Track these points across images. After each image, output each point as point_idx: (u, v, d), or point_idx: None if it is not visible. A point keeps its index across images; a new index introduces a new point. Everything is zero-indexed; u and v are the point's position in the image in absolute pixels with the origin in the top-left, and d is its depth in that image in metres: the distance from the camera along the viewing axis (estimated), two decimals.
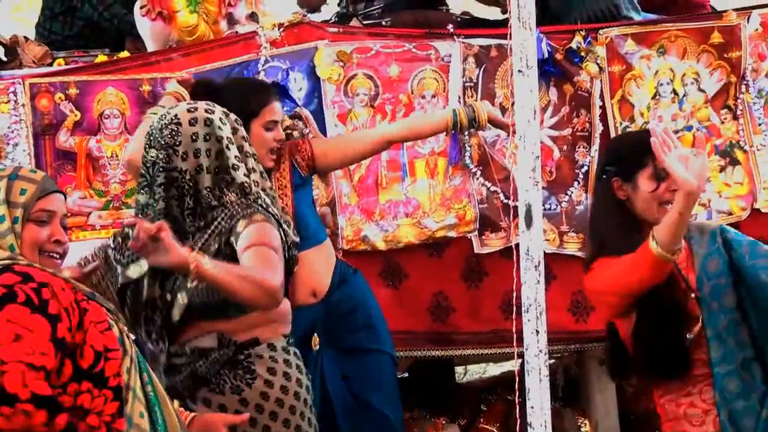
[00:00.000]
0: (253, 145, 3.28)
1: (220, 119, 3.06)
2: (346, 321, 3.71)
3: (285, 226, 3.10)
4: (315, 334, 3.68)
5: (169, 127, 3.01)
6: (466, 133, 4.10)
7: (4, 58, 4.12)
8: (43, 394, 2.36)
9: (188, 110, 3.05)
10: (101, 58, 4.12)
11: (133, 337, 2.67)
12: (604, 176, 3.11)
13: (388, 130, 3.91)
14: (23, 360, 2.35)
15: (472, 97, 4.18)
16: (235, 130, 3.09)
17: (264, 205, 3.05)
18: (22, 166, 2.80)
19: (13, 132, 3.83)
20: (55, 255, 2.65)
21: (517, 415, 3.00)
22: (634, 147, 3.10)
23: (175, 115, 3.03)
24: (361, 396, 3.72)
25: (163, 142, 3.00)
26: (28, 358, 2.36)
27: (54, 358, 2.42)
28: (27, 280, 2.46)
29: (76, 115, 3.89)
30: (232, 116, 3.11)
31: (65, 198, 2.75)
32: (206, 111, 3.05)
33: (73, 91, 3.89)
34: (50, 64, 4.08)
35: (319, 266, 3.67)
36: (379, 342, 3.78)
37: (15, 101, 3.84)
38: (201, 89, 3.60)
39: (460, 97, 4.18)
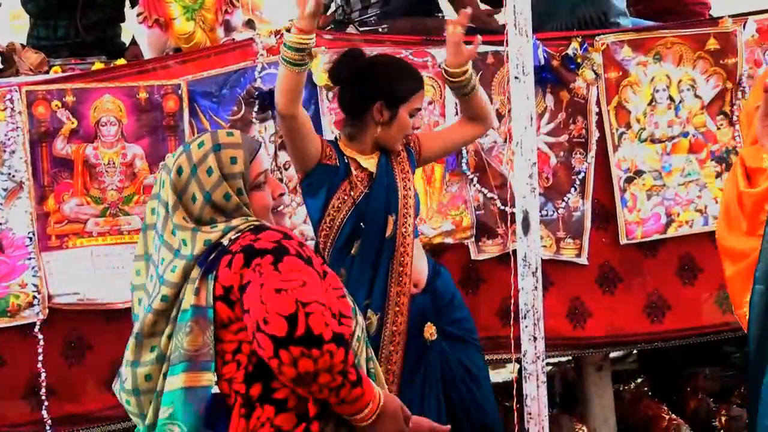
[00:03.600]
0: (395, 128, 3.48)
1: None
2: (447, 311, 3.67)
3: None
4: (428, 323, 3.63)
5: None
6: None
7: (1, 66, 4.10)
8: (340, 332, 2.39)
9: None
10: (98, 65, 4.11)
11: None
12: None
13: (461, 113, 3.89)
14: (319, 300, 2.38)
15: None
16: None
17: None
18: (215, 131, 2.72)
19: (9, 139, 3.82)
20: (282, 207, 2.72)
21: (515, 422, 3.00)
22: None
23: None
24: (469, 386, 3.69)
25: None
26: (322, 298, 2.39)
27: (332, 300, 2.48)
28: (288, 237, 2.49)
29: (72, 123, 3.87)
30: None
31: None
32: None
33: (69, 98, 3.87)
34: (47, 72, 4.07)
35: (419, 258, 3.63)
36: (475, 334, 3.75)
37: (12, 109, 3.82)
38: (347, 62, 3.58)
39: (456, 104, 4.18)
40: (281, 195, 2.68)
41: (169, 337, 2.49)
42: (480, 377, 3.69)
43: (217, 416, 2.45)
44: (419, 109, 3.60)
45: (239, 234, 2.50)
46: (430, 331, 3.62)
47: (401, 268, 3.57)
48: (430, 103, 4.19)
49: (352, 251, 3.56)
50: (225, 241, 2.50)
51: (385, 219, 3.56)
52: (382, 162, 3.60)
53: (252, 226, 2.53)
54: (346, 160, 3.58)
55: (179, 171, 2.58)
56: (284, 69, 3.37)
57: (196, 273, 2.47)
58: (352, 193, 3.56)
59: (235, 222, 2.54)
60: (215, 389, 2.45)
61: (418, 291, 3.62)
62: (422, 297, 3.63)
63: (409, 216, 3.59)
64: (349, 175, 3.57)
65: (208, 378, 2.46)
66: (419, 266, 3.63)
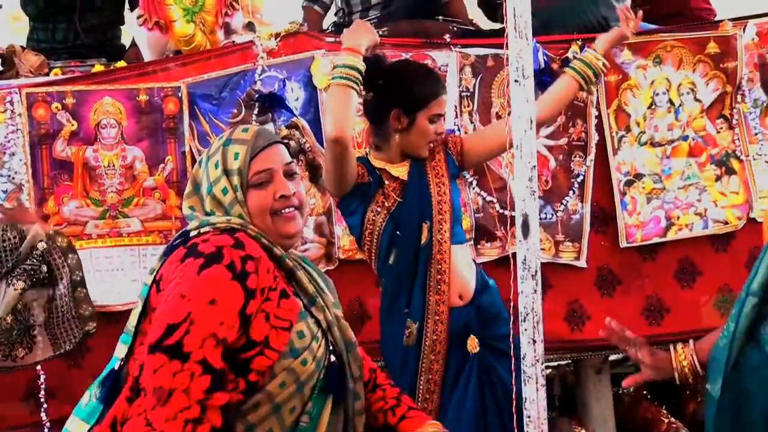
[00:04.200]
0: (415, 134, 3.44)
1: None
2: (493, 325, 3.58)
3: None
4: (471, 335, 3.56)
5: None
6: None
7: (1, 68, 4.11)
8: (212, 364, 2.31)
9: None
10: (98, 67, 4.12)
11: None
12: None
13: None
14: (210, 327, 2.32)
15: (468, 107, 4.20)
16: None
17: None
18: (239, 126, 2.71)
19: (9, 141, 3.82)
20: (287, 210, 2.58)
21: (514, 425, 2.99)
22: None
23: None
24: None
25: None
26: (215, 327, 2.32)
27: (236, 332, 2.37)
28: (238, 247, 2.42)
29: (72, 125, 3.88)
30: None
31: (286, 146, 2.67)
32: None
33: (69, 100, 3.87)
34: (47, 74, 4.06)
35: (464, 267, 3.56)
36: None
37: (12, 111, 3.83)
38: (373, 68, 3.49)
39: (456, 107, 4.19)
40: (282, 197, 2.57)
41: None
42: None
43: (113, 393, 2.45)
44: (441, 115, 3.54)
45: (208, 231, 2.48)
46: (473, 344, 3.56)
47: (439, 276, 3.51)
48: None
49: (390, 261, 3.54)
50: (192, 232, 2.50)
51: (419, 226, 3.51)
52: (414, 168, 3.56)
53: (226, 227, 2.49)
54: (378, 173, 3.54)
55: (199, 162, 2.63)
56: (338, 90, 3.32)
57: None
58: (385, 204, 3.52)
59: (215, 219, 2.51)
60: (117, 364, 2.46)
61: (462, 303, 3.56)
62: (466, 309, 3.56)
63: (445, 222, 3.52)
64: (382, 186, 3.53)
65: (122, 349, 2.47)
66: (464, 276, 3.56)
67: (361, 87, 3.36)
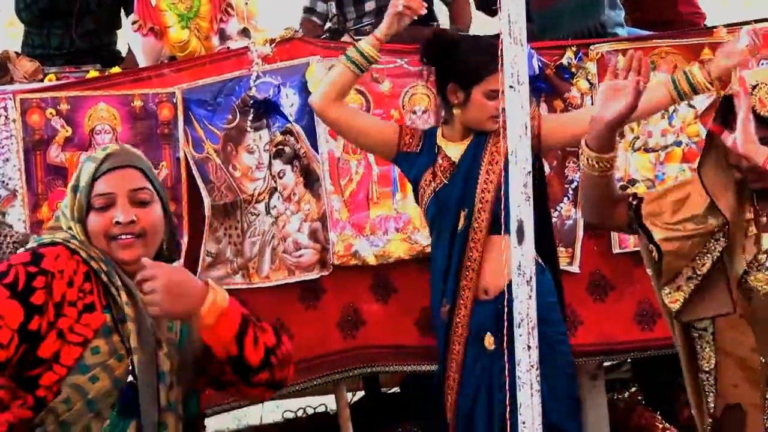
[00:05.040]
0: (474, 110, 3.49)
1: None
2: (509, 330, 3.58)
3: None
4: (488, 333, 3.55)
5: None
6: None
7: None
8: None
9: None
10: (92, 73, 4.12)
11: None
12: None
13: None
14: None
15: None
16: None
17: None
18: (108, 144, 2.76)
19: (3, 147, 3.82)
20: (124, 237, 2.50)
21: (509, 430, 3.00)
22: None
23: None
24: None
25: None
26: None
27: (13, 350, 2.33)
28: (34, 262, 2.39)
29: (67, 131, 3.88)
30: None
31: (141, 168, 2.58)
32: None
33: (64, 106, 3.88)
34: (41, 80, 4.07)
35: (496, 259, 3.48)
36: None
37: (6, 116, 3.83)
38: (429, 45, 3.63)
39: None
40: (118, 223, 2.49)
41: None
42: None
43: None
44: (496, 92, 3.44)
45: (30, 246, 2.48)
46: (489, 340, 3.56)
47: (468, 263, 3.54)
48: (424, 111, 4.20)
49: (434, 237, 3.64)
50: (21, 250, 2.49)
51: (458, 213, 3.54)
52: (469, 151, 3.57)
53: (48, 242, 2.46)
54: (436, 149, 3.60)
55: None
56: (343, 68, 3.54)
57: None
58: (432, 183, 3.58)
59: (45, 235, 2.52)
60: None
61: (488, 298, 3.55)
62: (488, 306, 3.54)
63: (484, 211, 3.52)
64: (434, 164, 3.58)
65: None
66: (495, 270, 3.49)
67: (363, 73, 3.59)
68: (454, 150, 3.60)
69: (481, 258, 3.53)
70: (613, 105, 2.78)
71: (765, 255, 2.92)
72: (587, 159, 2.90)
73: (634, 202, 3.00)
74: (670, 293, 3.00)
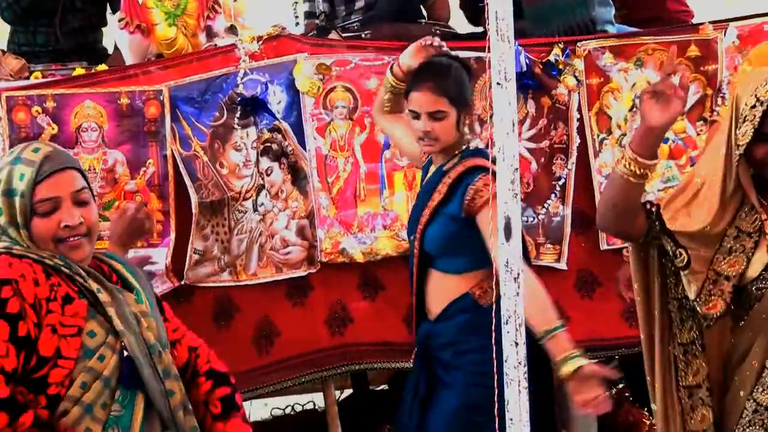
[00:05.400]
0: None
1: None
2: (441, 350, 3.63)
3: None
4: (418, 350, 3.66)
5: None
6: None
7: None
8: (1, 398, 2.31)
9: None
10: (79, 71, 4.11)
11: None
12: None
13: None
14: None
15: None
16: None
17: None
18: (31, 143, 2.65)
19: None
20: (73, 239, 2.54)
21: (497, 427, 3.01)
22: None
23: None
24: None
25: None
26: None
27: (15, 358, 2.36)
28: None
29: (53, 128, 3.87)
30: None
31: (78, 168, 2.62)
32: None
33: (50, 104, 3.87)
34: (27, 78, 4.06)
35: (434, 290, 3.61)
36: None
37: None
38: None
39: None
40: (67, 227, 2.53)
41: None
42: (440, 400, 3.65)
43: None
44: (415, 113, 3.51)
45: None
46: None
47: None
48: None
49: None
50: None
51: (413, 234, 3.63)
52: (433, 177, 3.60)
53: None
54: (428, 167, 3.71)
55: None
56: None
57: None
58: None
59: None
60: None
61: (430, 318, 3.63)
62: (428, 326, 3.64)
63: (417, 240, 3.57)
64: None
65: None
66: (434, 298, 3.61)
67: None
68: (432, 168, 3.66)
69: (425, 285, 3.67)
70: (658, 111, 2.83)
71: None
72: (629, 163, 2.93)
73: (653, 209, 3.03)
74: (705, 300, 3.03)
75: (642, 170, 2.92)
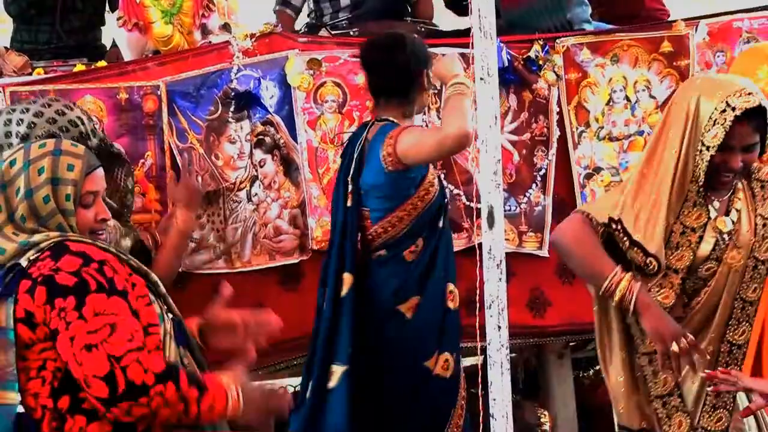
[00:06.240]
0: (425, 94, 3.81)
1: None
2: None
3: None
4: None
5: None
6: None
7: None
8: (162, 369, 2.44)
9: None
10: (80, 67, 4.16)
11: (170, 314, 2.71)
12: None
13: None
14: (132, 345, 2.42)
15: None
16: None
17: None
18: (62, 139, 2.77)
19: None
20: (101, 232, 2.68)
21: (480, 407, 3.11)
22: None
23: None
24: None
25: None
26: (132, 344, 2.43)
27: (141, 330, 2.50)
28: (88, 261, 2.48)
29: None
30: None
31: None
32: None
33: None
34: (30, 74, 4.13)
35: None
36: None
37: None
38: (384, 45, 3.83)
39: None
40: (103, 220, 2.67)
41: None
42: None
43: None
44: None
45: (38, 254, 2.51)
46: None
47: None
48: None
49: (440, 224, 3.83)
50: (23, 262, 2.50)
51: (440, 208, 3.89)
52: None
53: (52, 244, 2.52)
54: None
55: (12, 163, 2.58)
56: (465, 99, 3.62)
57: None
58: (436, 181, 3.83)
59: (36, 237, 2.54)
60: (20, 408, 2.46)
61: None
62: None
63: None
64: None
65: (12, 397, 2.46)
66: None
67: None
68: None
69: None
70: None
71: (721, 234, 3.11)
72: (620, 297, 3.13)
73: (613, 225, 3.13)
74: (657, 292, 3.16)
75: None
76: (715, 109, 3.03)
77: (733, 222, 3.17)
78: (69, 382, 2.46)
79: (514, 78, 4.38)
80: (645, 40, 4.48)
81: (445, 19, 5.08)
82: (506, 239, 4.19)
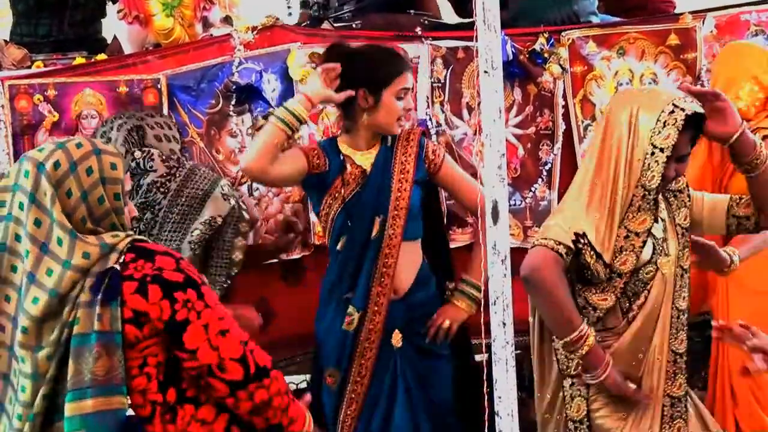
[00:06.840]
0: (383, 112, 3.57)
1: None
2: (417, 323, 3.75)
3: None
4: (396, 329, 3.70)
5: None
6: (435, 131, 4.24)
7: None
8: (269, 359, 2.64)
9: None
10: (79, 60, 4.16)
11: None
12: None
13: None
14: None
15: (440, 97, 4.29)
16: None
17: None
18: (91, 138, 2.78)
19: None
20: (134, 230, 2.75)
21: (485, 404, 3.08)
22: None
23: None
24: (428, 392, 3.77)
25: None
26: (245, 332, 2.61)
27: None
28: (177, 259, 2.57)
29: (54, 116, 3.93)
30: None
31: None
32: None
33: (51, 92, 3.93)
34: (29, 67, 4.12)
35: (405, 262, 3.67)
36: (443, 348, 3.81)
37: None
38: (329, 57, 3.67)
39: (428, 97, 4.28)
40: (134, 218, 2.75)
41: (50, 357, 2.48)
42: (440, 385, 3.78)
43: None
44: (407, 90, 3.64)
45: (124, 256, 2.52)
46: (396, 338, 3.70)
47: (384, 269, 3.63)
48: None
49: (339, 246, 3.65)
50: (115, 266, 2.50)
51: (372, 220, 3.61)
52: (379, 159, 3.65)
53: (129, 245, 2.53)
54: (342, 157, 3.64)
55: (56, 165, 2.52)
56: (275, 129, 3.49)
57: (86, 297, 2.46)
58: (342, 191, 3.62)
59: (108, 239, 2.52)
60: (129, 411, 2.49)
61: (397, 297, 3.68)
62: (398, 304, 3.69)
63: (399, 218, 3.62)
64: (343, 172, 3.63)
65: (120, 401, 2.47)
66: (404, 272, 3.67)
67: (294, 135, 3.58)
68: (363, 158, 3.67)
69: (395, 263, 3.64)
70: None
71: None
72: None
73: (581, 241, 3.11)
74: (597, 292, 3.19)
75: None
76: (663, 111, 3.04)
77: (662, 230, 3.21)
78: (171, 374, 2.57)
79: (519, 71, 4.36)
80: (651, 33, 4.46)
81: (449, 12, 5.05)
82: (511, 234, 4.17)
